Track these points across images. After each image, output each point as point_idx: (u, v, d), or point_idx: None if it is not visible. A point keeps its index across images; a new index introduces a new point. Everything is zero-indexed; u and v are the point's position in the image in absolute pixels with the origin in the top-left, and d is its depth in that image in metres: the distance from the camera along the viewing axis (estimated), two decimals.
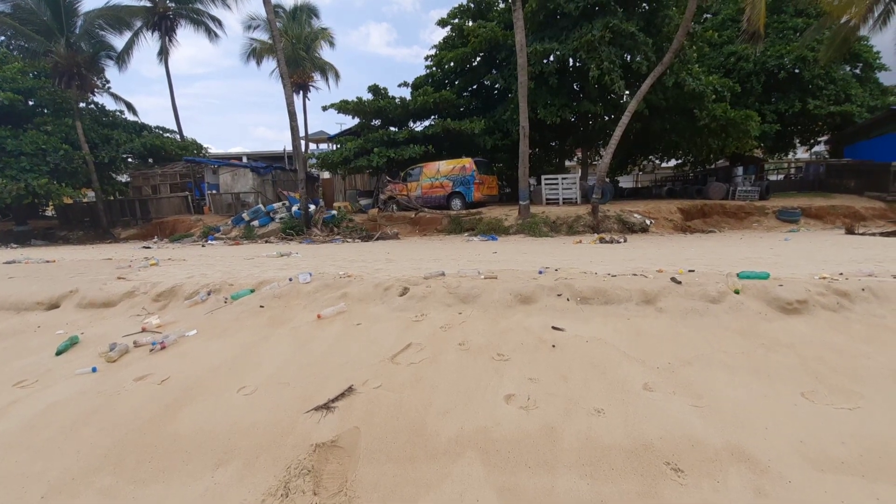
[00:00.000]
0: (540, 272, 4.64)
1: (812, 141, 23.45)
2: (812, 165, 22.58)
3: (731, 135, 16.20)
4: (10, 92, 17.13)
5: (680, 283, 3.94)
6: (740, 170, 18.47)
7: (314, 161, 19.96)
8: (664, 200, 17.05)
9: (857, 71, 21.07)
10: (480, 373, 3.02)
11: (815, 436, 2.34)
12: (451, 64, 18.13)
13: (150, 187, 21.65)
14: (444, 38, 19.40)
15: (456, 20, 18.83)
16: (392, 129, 18.47)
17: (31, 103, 19.05)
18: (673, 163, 25.44)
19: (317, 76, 26.86)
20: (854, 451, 2.24)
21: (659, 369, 2.96)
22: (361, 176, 21.54)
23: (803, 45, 17.59)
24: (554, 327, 3.51)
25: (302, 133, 22.88)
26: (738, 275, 4.10)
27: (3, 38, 22.56)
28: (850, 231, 11.51)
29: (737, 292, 3.78)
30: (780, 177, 25.51)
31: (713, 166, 23.44)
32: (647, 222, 12.48)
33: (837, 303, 3.69)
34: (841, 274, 4.34)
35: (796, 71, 18.89)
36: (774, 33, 19.62)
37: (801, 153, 28.30)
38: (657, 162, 26.21)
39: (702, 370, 2.95)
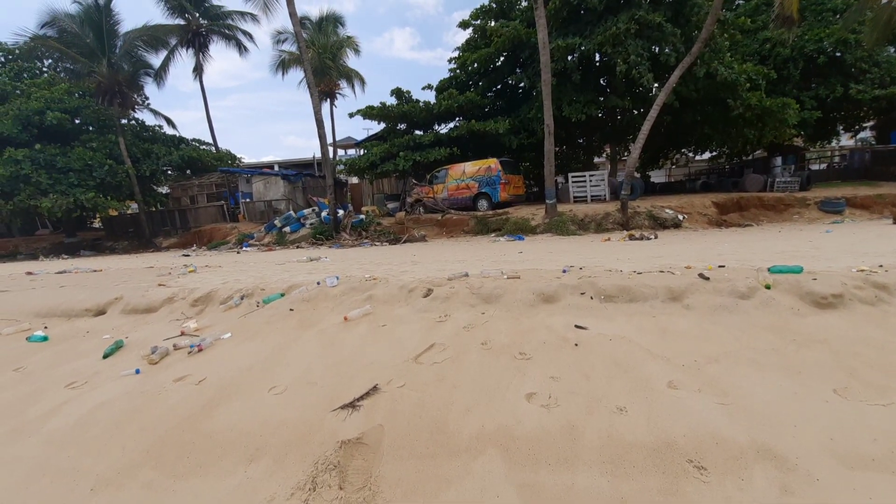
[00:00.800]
0: (563, 271, 4.62)
1: (856, 127, 22.24)
2: (857, 153, 21.43)
3: (767, 124, 15.56)
4: (58, 112, 18.26)
5: (708, 279, 3.85)
6: (779, 160, 17.73)
7: (342, 167, 20.40)
8: (698, 194, 16.54)
9: None
10: (502, 372, 3.05)
11: (845, 433, 2.28)
12: (475, 65, 18.15)
13: (188, 197, 22.64)
14: (466, 40, 19.45)
15: (478, 21, 18.84)
16: (417, 132, 18.65)
17: (77, 122, 20.24)
18: (707, 155, 24.63)
19: (343, 84, 27.41)
20: (886, 448, 2.17)
21: (684, 367, 2.92)
22: (388, 180, 21.85)
23: (844, 28, 16.71)
24: (577, 326, 3.50)
25: (330, 140, 23.43)
26: (769, 269, 3.98)
27: (50, 60, 24.17)
28: None
29: (768, 287, 3.66)
30: (823, 166, 24.32)
31: (750, 157, 22.56)
32: (680, 217, 12.16)
33: (875, 296, 3.53)
34: (881, 266, 4.15)
35: (837, 55, 17.97)
36: (812, 16, 18.75)
37: (846, 140, 26.89)
38: (690, 155, 25.44)
39: (729, 368, 2.89)
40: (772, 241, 7.92)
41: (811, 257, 5.34)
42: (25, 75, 22.21)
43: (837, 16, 17.95)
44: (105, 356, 4.11)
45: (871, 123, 22.62)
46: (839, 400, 2.54)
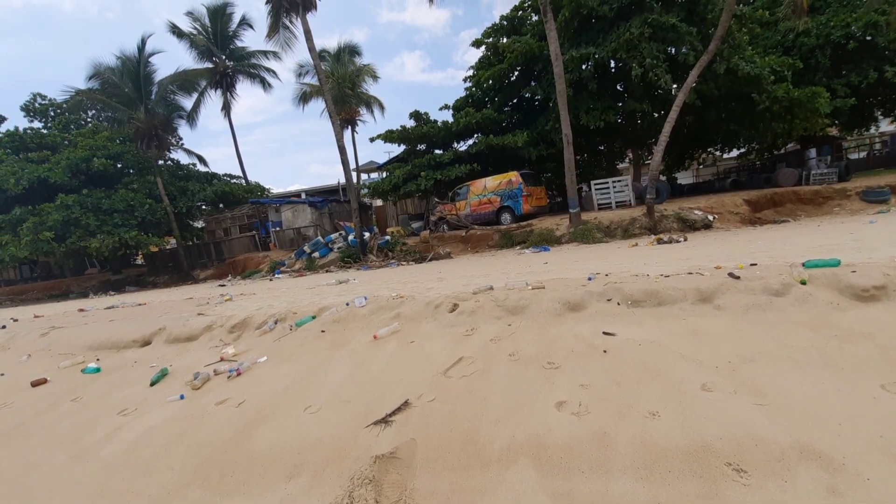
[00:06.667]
0: (589, 279, 4.59)
1: None
2: None
3: (797, 115, 15.03)
4: (103, 158, 19.49)
5: (738, 278, 3.75)
6: (812, 152, 17.04)
7: (366, 191, 20.85)
8: (728, 193, 16.06)
9: None
10: (531, 382, 3.05)
11: None
12: (490, 82, 18.38)
13: (221, 230, 23.55)
14: (479, 59, 19.76)
15: (490, 39, 19.14)
16: (437, 151, 18.92)
17: (119, 166, 21.52)
18: (735, 153, 23.95)
19: (363, 110, 28.19)
20: None
21: (718, 369, 2.85)
22: (412, 200, 22.15)
23: (869, 10, 16.11)
24: (605, 332, 3.47)
25: (353, 165, 24.04)
26: (803, 264, 3.85)
27: (93, 111, 25.94)
28: None
29: (803, 283, 3.55)
30: (863, 154, 23.22)
31: (782, 151, 21.78)
32: (710, 218, 11.82)
33: None
34: None
35: (868, 38, 17.29)
36: (836, 2, 18.17)
37: (886, 126, 25.64)
38: (717, 154, 24.78)
39: (766, 367, 2.80)
40: (809, 236, 7.61)
41: (852, 249, 5.11)
42: (72, 126, 23.89)
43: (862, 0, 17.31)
44: (152, 384, 4.32)
45: None
46: (888, 396, 2.43)
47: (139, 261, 28.19)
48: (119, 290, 19.84)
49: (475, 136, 18.84)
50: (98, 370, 5.09)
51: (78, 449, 3.36)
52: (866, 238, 6.28)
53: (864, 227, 8.12)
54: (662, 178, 20.82)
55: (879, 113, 21.03)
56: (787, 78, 14.81)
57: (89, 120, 25.84)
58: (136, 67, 20.84)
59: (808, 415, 2.36)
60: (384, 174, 21.06)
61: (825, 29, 17.34)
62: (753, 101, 14.27)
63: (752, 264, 4.32)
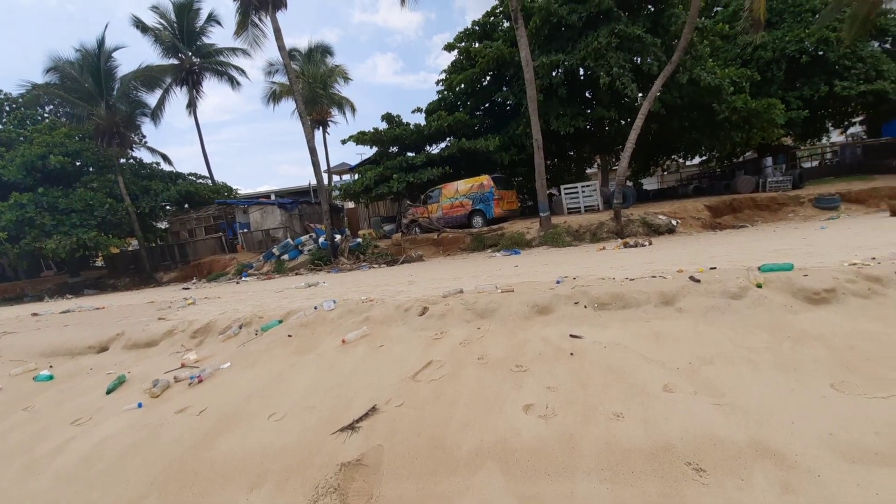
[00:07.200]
0: (557, 282, 4.65)
1: (846, 123, 22.46)
2: (848, 148, 21.60)
3: (754, 125, 15.76)
4: (60, 156, 18.57)
5: (699, 281, 3.88)
6: (769, 160, 17.86)
7: (337, 192, 20.58)
8: (690, 199, 16.65)
9: (887, 45, 20.15)
10: (499, 385, 3.06)
11: (846, 428, 2.27)
12: (462, 86, 18.50)
13: (186, 231, 22.78)
14: (452, 63, 19.84)
15: (462, 44, 19.24)
16: (409, 154, 18.87)
17: (78, 164, 20.54)
18: (697, 160, 24.86)
19: (334, 111, 27.83)
20: (890, 441, 2.16)
21: (679, 370, 2.93)
22: (384, 202, 22.01)
23: (822, 26, 17.04)
24: (572, 335, 3.52)
25: (324, 166, 23.68)
26: (759, 268, 4.01)
27: (51, 106, 24.71)
28: (895, 213, 10.91)
29: (759, 286, 3.69)
30: (815, 163, 24.48)
31: (741, 159, 22.75)
32: (674, 223, 12.21)
33: (869, 289, 3.55)
34: (873, 258, 4.18)
35: (820, 53, 18.27)
36: (791, 18, 19.13)
37: (836, 136, 27.13)
38: (681, 161, 25.67)
39: (724, 368, 2.90)
40: (765, 241, 7.96)
41: (804, 254, 5.37)
42: (28, 122, 22.69)
43: (816, 16, 18.27)
44: (108, 392, 4.13)
45: (860, 118, 22.84)
46: (837, 395, 2.54)
47: (99, 263, 26.91)
48: (77, 293, 18.92)
49: (447, 139, 18.89)
50: (51, 378, 4.83)
51: (29, 461, 3.18)
52: (818, 243, 6.61)
53: (816, 233, 8.55)
54: (629, 183, 21.43)
55: (830, 124, 22.26)
56: (745, 89, 15.50)
57: (47, 115, 24.56)
58: (96, 62, 19.99)
59: (763, 414, 2.44)
60: (356, 176, 20.86)
61: (780, 43, 18.24)
62: (714, 110, 14.85)
63: (711, 268, 4.47)
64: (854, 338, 3.07)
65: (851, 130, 26.08)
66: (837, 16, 16.04)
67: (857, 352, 2.91)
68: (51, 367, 5.19)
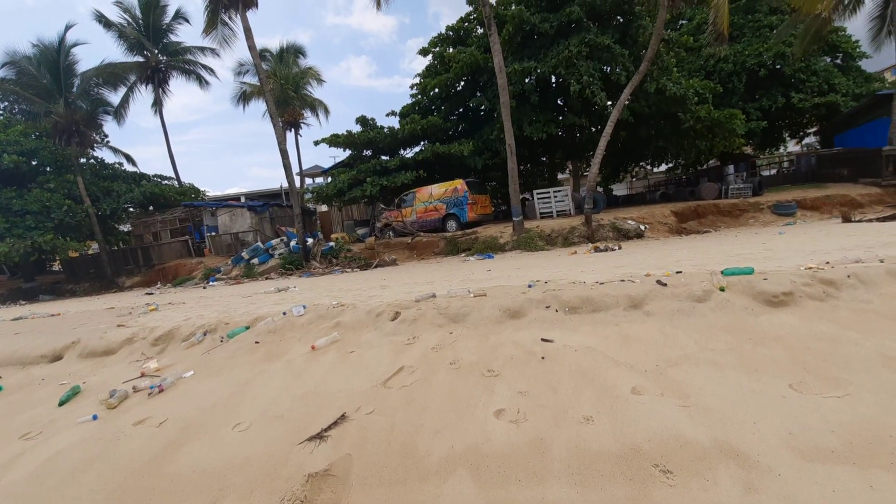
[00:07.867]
0: (529, 286, 4.68)
1: (801, 133, 23.65)
2: (803, 157, 22.71)
3: (717, 135, 16.41)
4: (14, 155, 17.64)
5: (665, 285, 3.97)
6: (731, 168, 18.63)
7: (310, 195, 20.26)
8: (658, 205, 17.14)
9: (839, 61, 21.35)
10: (471, 390, 3.04)
11: (803, 427, 2.34)
12: (436, 90, 18.56)
13: (151, 234, 21.94)
14: (426, 67, 19.91)
15: (436, 48, 19.34)
16: (383, 157, 18.79)
17: (34, 163, 19.57)
18: (664, 167, 25.66)
19: (307, 113, 27.47)
20: (844, 439, 2.23)
21: (647, 372, 2.98)
22: (357, 206, 21.81)
23: (778, 42, 17.93)
24: (543, 339, 3.54)
25: (296, 169, 23.32)
26: (722, 272, 4.14)
27: (6, 103, 23.45)
28: (846, 219, 11.50)
29: (722, 290, 3.81)
30: (773, 171, 25.64)
31: (704, 167, 23.62)
32: (642, 228, 12.53)
33: (824, 292, 3.71)
34: (827, 263, 4.37)
35: (777, 67, 19.20)
36: (751, 32, 20.04)
37: (792, 146, 28.48)
38: (649, 168, 26.45)
39: (689, 370, 2.96)
40: (728, 246, 8.24)
41: (764, 258, 5.58)
42: None
43: (774, 31, 19.22)
44: (61, 403, 3.90)
45: (814, 129, 24.09)
46: (795, 395, 2.62)
47: (56, 267, 25.64)
48: (31, 299, 17.96)
49: (422, 143, 18.90)
50: None
51: None
52: (776, 248, 6.89)
53: (775, 238, 8.92)
54: (600, 189, 21.94)
55: (787, 135, 23.38)
56: (708, 100, 16.12)
57: (1, 112, 23.33)
58: (55, 57, 19.05)
59: (726, 415, 2.50)
60: (329, 179, 20.60)
61: (741, 56, 19.08)
62: (679, 119, 15.38)
63: (677, 272, 4.59)
64: (810, 339, 3.19)
65: (806, 140, 27.46)
66: (793, 31, 16.93)
67: (814, 353, 3.02)
68: None
